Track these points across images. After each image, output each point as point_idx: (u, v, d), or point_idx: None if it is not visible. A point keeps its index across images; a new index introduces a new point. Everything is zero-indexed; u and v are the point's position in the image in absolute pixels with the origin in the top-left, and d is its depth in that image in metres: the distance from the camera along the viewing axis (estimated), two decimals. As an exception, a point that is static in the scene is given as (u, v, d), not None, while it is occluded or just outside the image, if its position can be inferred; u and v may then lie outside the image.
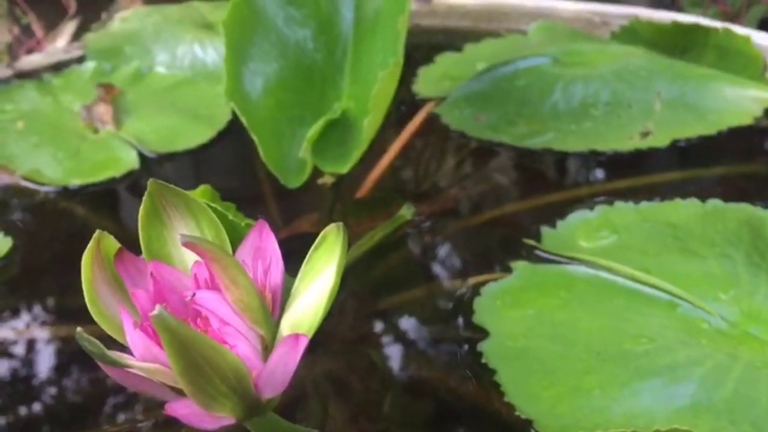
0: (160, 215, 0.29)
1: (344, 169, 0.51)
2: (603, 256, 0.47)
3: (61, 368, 0.46)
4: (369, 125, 0.50)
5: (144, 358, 0.24)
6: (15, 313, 0.50)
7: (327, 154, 0.53)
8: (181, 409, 0.24)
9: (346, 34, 0.62)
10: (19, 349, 0.47)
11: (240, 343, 0.24)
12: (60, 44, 1.45)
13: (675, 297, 0.43)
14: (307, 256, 0.28)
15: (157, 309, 0.21)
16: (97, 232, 0.28)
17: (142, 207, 0.29)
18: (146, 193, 0.29)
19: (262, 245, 0.28)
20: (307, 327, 0.26)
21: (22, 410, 0.43)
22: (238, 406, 0.25)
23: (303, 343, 0.24)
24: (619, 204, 0.51)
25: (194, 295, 0.25)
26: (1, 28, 1.34)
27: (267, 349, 0.26)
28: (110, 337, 0.28)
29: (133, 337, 0.24)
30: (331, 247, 0.26)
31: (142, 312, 0.26)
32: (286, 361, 0.24)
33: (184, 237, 0.24)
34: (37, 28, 1.31)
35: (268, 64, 0.57)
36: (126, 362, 0.25)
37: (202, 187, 0.41)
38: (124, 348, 0.26)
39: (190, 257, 0.28)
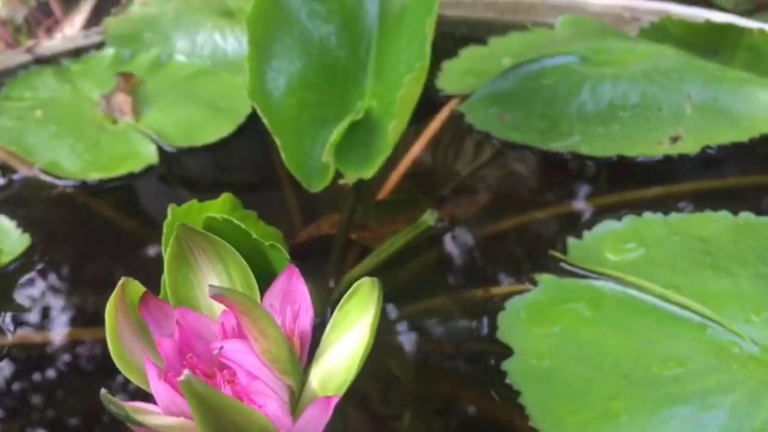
0: (187, 259, 0.28)
1: (368, 174, 0.50)
2: (631, 271, 0.46)
3: (78, 370, 0.46)
4: (393, 130, 0.48)
5: (168, 410, 0.24)
6: (33, 313, 0.49)
7: (350, 158, 0.52)
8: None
9: (370, 30, 0.60)
10: (38, 350, 0.47)
11: (268, 401, 0.23)
12: (78, 21, 1.44)
13: (705, 318, 0.42)
14: (339, 305, 0.27)
15: (185, 374, 0.21)
16: (122, 279, 0.27)
17: (168, 250, 0.28)
18: (173, 236, 0.28)
19: (292, 290, 0.27)
20: (338, 384, 0.25)
21: (40, 412, 0.43)
22: (265, 465, 0.24)
23: (333, 404, 0.23)
24: (648, 215, 0.50)
25: (222, 348, 0.24)
26: (18, 4, 1.33)
27: (294, 396, 0.26)
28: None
29: (157, 388, 0.24)
30: (364, 300, 0.25)
31: (167, 361, 0.25)
32: (315, 422, 0.23)
33: (212, 289, 0.23)
34: (56, 6, 1.30)
35: (291, 62, 0.56)
36: (151, 422, 0.24)
37: (224, 196, 0.40)
38: (147, 395, 0.26)
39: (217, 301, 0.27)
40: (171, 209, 0.36)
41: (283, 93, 0.54)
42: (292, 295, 0.27)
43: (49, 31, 1.32)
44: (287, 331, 0.26)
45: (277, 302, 0.27)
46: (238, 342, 0.24)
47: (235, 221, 0.33)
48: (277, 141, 0.50)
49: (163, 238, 0.33)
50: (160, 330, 0.27)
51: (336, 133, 0.51)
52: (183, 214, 0.37)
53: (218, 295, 0.23)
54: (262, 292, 0.28)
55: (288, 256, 0.31)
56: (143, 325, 0.27)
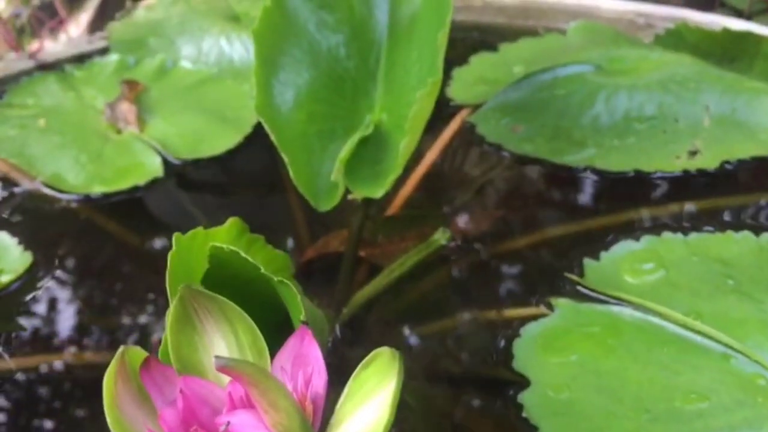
0: (191, 320, 0.27)
1: (378, 193, 0.48)
2: (650, 295, 0.44)
3: (81, 395, 0.45)
4: (405, 149, 0.47)
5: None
6: (34, 336, 0.48)
7: (359, 175, 0.50)
8: None
9: (380, 40, 0.59)
10: (39, 375, 0.45)
11: None
12: (83, 20, 1.42)
13: (728, 348, 0.40)
14: (355, 373, 0.25)
15: None
16: (122, 348, 0.25)
17: (171, 312, 0.26)
18: (176, 297, 0.26)
19: (304, 352, 0.26)
20: None
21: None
22: None
23: None
24: (667, 235, 0.49)
25: (229, 423, 0.22)
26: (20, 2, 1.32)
27: (307, 465, 0.24)
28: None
29: None
30: (383, 371, 0.24)
31: None
32: None
33: (219, 360, 0.22)
34: (60, 6, 1.28)
35: (299, 75, 0.54)
36: None
37: (230, 221, 0.39)
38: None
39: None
40: (176, 238, 0.34)
41: (291, 107, 0.53)
42: (305, 357, 0.25)
43: (53, 32, 1.31)
44: (299, 396, 0.24)
45: (288, 365, 0.26)
46: (247, 414, 0.23)
47: (242, 254, 0.32)
48: (285, 158, 0.49)
49: (168, 273, 0.32)
50: (163, 396, 0.25)
51: (345, 150, 0.49)
52: (188, 243, 0.36)
53: (225, 367, 0.22)
54: (271, 333, 0.27)
55: (297, 293, 0.30)
56: (144, 391, 0.25)
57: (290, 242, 0.56)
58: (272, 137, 0.49)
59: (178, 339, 0.26)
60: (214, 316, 0.27)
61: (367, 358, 0.25)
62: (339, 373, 0.44)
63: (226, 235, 0.38)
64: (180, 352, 0.26)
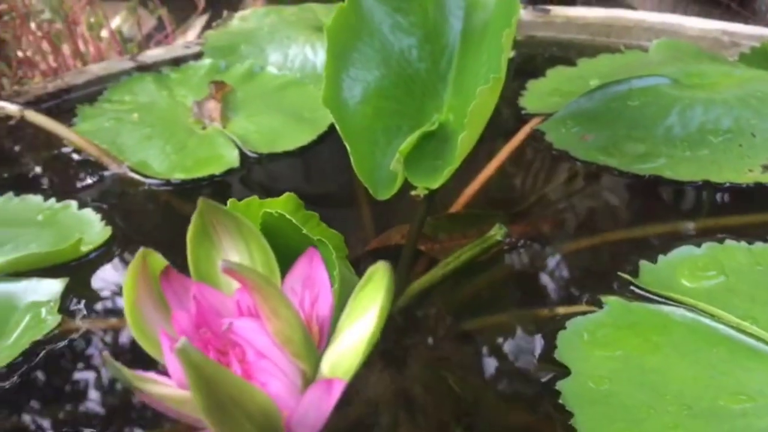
0: (209, 235, 0.28)
1: (435, 184, 0.49)
2: (706, 299, 0.43)
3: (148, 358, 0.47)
4: (463, 142, 0.48)
5: (181, 384, 0.24)
6: (105, 300, 0.51)
7: (419, 168, 0.51)
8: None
9: (452, 45, 0.60)
10: (107, 337, 0.48)
11: (273, 380, 0.23)
12: (191, 37, 1.50)
13: (783, 353, 0.39)
14: (354, 292, 0.27)
15: (181, 342, 0.21)
16: (142, 249, 0.27)
17: (191, 225, 0.28)
18: (196, 211, 0.28)
19: (312, 274, 0.27)
20: (345, 369, 0.24)
21: (104, 392, 0.44)
22: (267, 446, 0.24)
23: (338, 389, 0.23)
24: (730, 243, 0.47)
25: (231, 324, 0.24)
26: (132, 21, 1.41)
27: (308, 382, 0.25)
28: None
29: (170, 360, 0.24)
30: (376, 287, 0.25)
31: (182, 335, 0.25)
32: (319, 405, 0.23)
33: (225, 263, 0.24)
34: (168, 23, 1.36)
35: (369, 72, 0.56)
36: (154, 391, 0.24)
37: (285, 195, 0.41)
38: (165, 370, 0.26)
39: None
40: (231, 203, 0.36)
41: (358, 101, 0.55)
42: (312, 279, 0.27)
43: (160, 45, 1.39)
44: (306, 316, 0.26)
45: (298, 286, 0.27)
46: (251, 320, 0.24)
47: (288, 216, 0.34)
48: (348, 147, 0.50)
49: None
50: (180, 304, 0.27)
51: (407, 142, 0.51)
52: (243, 210, 0.38)
53: (229, 270, 0.24)
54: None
55: (334, 252, 0.31)
56: (164, 297, 0.27)
57: (355, 234, 0.58)
58: (337, 127, 0.51)
59: (197, 253, 0.28)
60: (230, 233, 0.28)
61: (364, 277, 0.26)
62: (387, 358, 0.45)
63: (281, 207, 0.40)
64: (198, 265, 0.28)
